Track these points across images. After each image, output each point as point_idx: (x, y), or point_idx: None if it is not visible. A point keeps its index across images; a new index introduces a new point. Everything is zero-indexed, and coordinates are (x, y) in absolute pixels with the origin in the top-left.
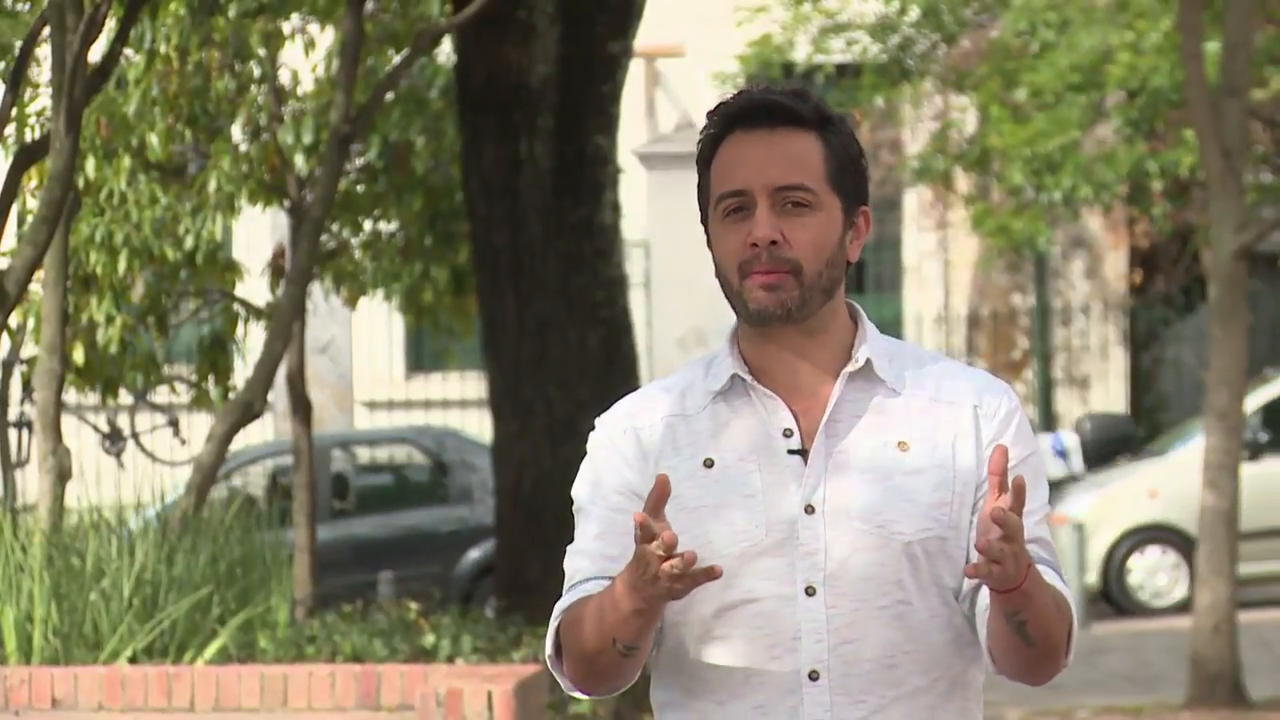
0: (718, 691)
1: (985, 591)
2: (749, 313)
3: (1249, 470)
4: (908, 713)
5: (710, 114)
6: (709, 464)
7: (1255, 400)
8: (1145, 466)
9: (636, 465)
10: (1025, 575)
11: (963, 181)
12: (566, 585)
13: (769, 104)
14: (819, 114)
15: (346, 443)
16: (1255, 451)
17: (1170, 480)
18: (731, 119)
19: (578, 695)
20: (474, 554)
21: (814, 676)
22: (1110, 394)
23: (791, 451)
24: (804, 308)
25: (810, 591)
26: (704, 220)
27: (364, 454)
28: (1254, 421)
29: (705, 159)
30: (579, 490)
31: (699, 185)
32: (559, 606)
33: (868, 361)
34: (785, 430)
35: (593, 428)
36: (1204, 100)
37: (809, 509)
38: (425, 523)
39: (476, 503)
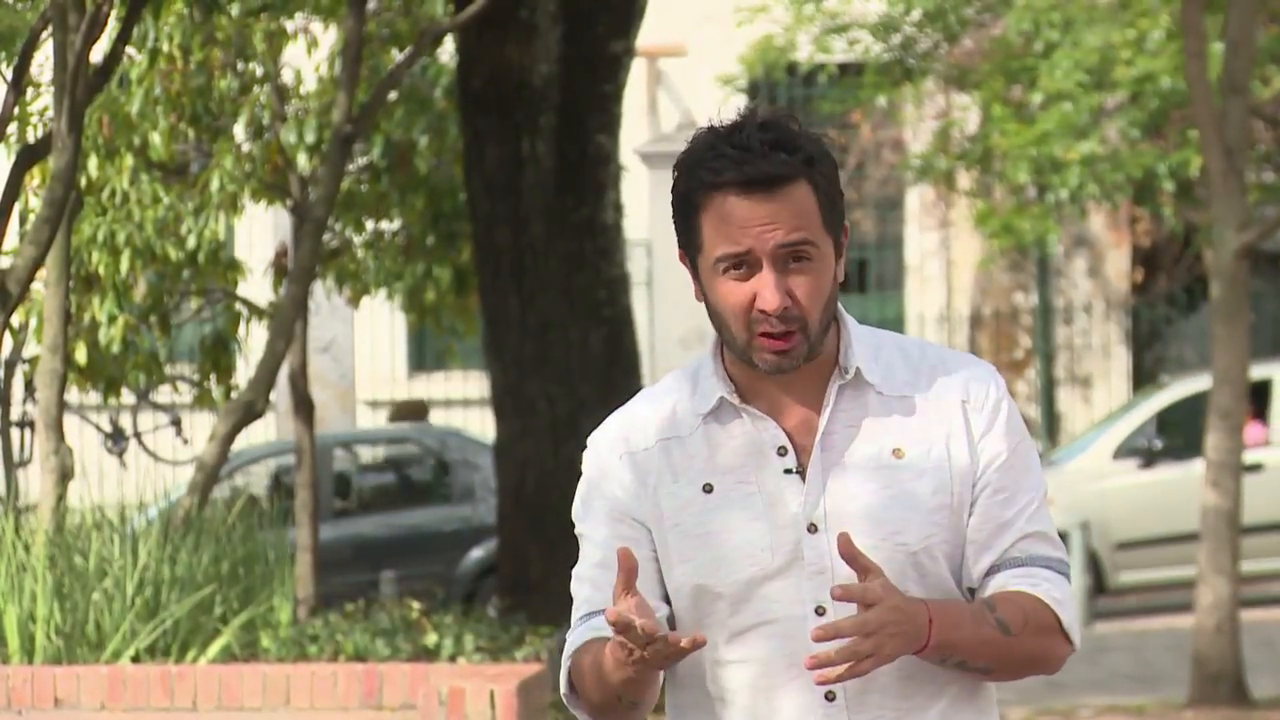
0: (731, 712)
1: (990, 585)
2: (756, 368)
3: (1144, 478)
4: None
5: (695, 167)
6: (709, 489)
7: (1150, 408)
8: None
9: (633, 489)
10: (929, 636)
11: (965, 180)
12: (575, 614)
13: (765, 174)
14: (805, 157)
15: (348, 442)
16: (1150, 459)
17: (1064, 490)
18: (720, 177)
19: None
20: (476, 553)
21: (830, 697)
22: (1112, 393)
23: (788, 471)
24: (810, 353)
25: (820, 611)
26: (685, 257)
27: (366, 453)
28: (1148, 429)
29: (692, 203)
30: (578, 514)
31: (679, 221)
32: (571, 644)
33: (857, 370)
34: (780, 449)
35: (593, 432)
36: (1206, 99)
37: (812, 527)
38: (427, 522)
39: (479, 502)
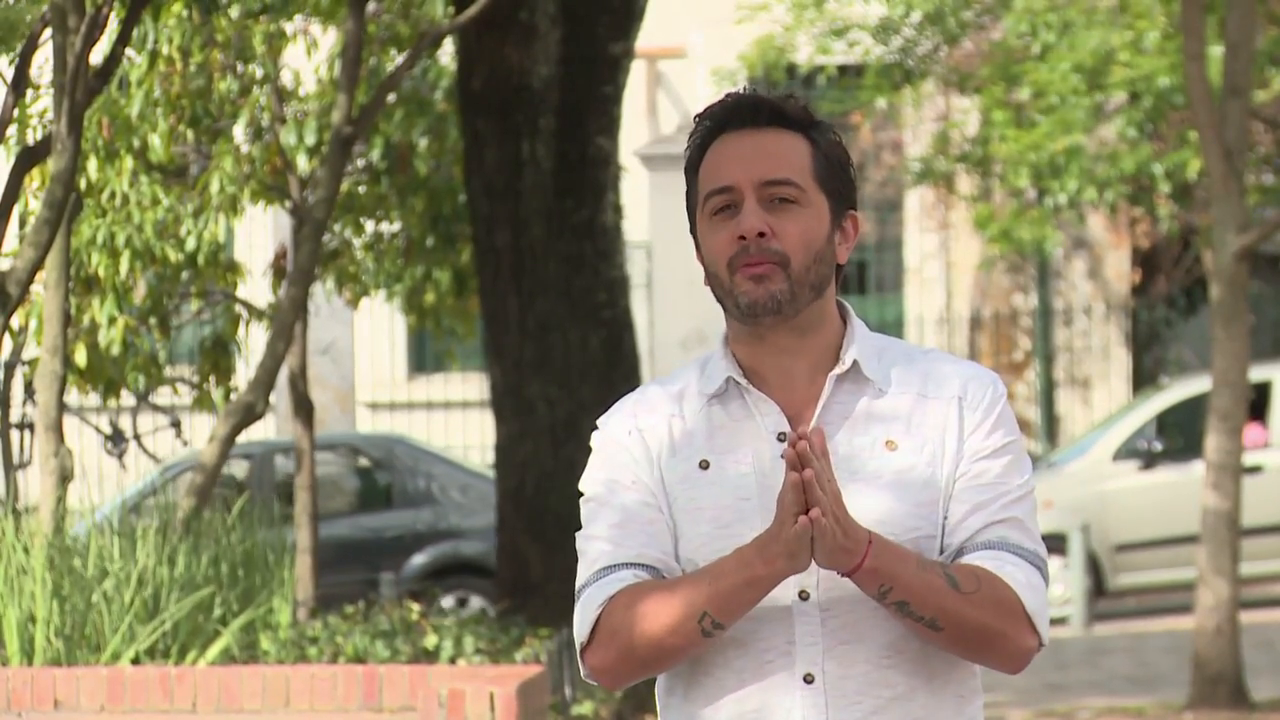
0: (714, 694)
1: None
2: (740, 309)
3: (1144, 480)
4: (903, 713)
5: (698, 118)
6: (704, 466)
7: (1149, 410)
8: (1041, 477)
9: (645, 464)
10: (865, 553)
11: (964, 182)
12: (590, 569)
13: (755, 101)
14: (806, 115)
15: (292, 449)
16: (1149, 461)
17: (1064, 492)
18: (718, 121)
19: (594, 684)
20: (419, 559)
21: (809, 680)
22: (1112, 395)
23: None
24: (793, 302)
25: (804, 596)
26: (693, 229)
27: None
28: (1148, 431)
29: (693, 164)
30: (591, 485)
31: (688, 193)
32: (600, 594)
33: (855, 363)
34: (780, 434)
35: (595, 428)
36: (1206, 101)
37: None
38: (373, 527)
39: (423, 508)
